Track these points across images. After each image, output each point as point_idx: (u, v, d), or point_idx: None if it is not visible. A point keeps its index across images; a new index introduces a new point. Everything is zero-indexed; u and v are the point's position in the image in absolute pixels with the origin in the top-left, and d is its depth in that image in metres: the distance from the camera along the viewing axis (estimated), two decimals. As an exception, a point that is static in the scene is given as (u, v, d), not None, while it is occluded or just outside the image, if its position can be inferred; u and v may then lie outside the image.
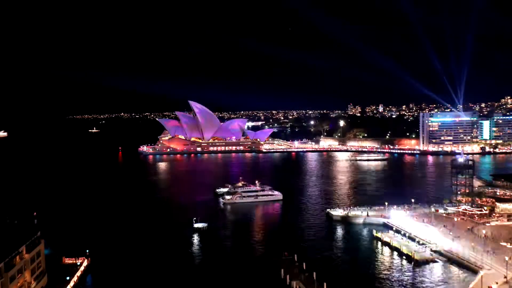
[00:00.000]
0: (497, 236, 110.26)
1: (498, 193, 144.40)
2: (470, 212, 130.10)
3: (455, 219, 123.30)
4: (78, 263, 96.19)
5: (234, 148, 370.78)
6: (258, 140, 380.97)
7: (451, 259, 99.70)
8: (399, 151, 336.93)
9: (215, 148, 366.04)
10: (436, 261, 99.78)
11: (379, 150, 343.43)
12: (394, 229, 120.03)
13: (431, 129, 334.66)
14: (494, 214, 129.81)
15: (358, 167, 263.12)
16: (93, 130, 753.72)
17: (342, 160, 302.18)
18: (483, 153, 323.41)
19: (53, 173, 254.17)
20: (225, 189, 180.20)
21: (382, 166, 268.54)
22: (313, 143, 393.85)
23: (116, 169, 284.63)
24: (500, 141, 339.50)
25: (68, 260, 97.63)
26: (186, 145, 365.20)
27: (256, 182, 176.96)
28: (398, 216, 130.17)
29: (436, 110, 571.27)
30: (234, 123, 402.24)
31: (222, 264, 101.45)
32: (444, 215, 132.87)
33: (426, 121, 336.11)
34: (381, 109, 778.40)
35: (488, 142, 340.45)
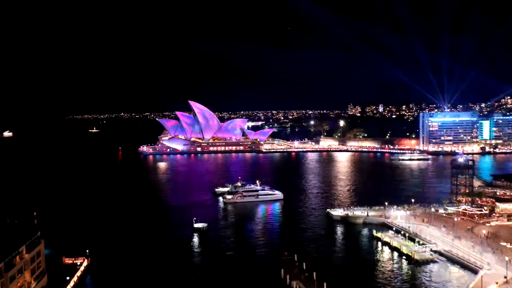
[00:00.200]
0: (497, 236, 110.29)
1: (498, 193, 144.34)
2: (470, 212, 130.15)
3: (455, 219, 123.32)
4: (78, 263, 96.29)
5: (234, 148, 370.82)
6: (258, 140, 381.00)
7: (451, 259, 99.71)
8: (399, 151, 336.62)
9: (215, 148, 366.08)
10: (436, 261, 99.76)
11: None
12: (394, 229, 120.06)
13: (431, 129, 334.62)
14: (494, 214, 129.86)
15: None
16: (93, 130, 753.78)
17: (343, 160, 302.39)
18: (483, 153, 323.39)
19: (53, 173, 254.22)
20: (224, 189, 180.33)
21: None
22: (313, 143, 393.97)
23: (116, 169, 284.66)
24: (500, 141, 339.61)
25: (68, 260, 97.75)
26: (186, 145, 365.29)
27: (257, 181, 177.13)
28: (398, 216, 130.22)
29: (436, 110, 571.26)
30: (234, 123, 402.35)
31: (222, 264, 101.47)
32: (444, 215, 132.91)
33: (426, 121, 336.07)
34: (381, 109, 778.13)
35: (488, 142, 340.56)
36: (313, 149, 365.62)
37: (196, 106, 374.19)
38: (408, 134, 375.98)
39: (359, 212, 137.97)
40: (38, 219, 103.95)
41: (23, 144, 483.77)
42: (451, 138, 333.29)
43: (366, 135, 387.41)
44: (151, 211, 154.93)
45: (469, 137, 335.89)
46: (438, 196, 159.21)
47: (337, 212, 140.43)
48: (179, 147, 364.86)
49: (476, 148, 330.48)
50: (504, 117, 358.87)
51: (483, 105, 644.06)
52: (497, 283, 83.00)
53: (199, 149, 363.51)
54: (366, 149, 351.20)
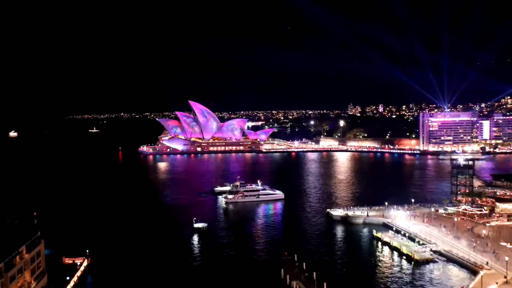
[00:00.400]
0: (497, 236, 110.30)
1: (498, 193, 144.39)
2: (470, 212, 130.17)
3: (455, 219, 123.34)
4: (78, 263, 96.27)
5: (234, 148, 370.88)
6: (258, 140, 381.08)
7: (451, 259, 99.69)
8: (399, 151, 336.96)
9: (215, 148, 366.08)
10: (436, 261, 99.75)
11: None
12: (394, 229, 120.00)
13: (431, 129, 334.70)
14: (494, 214, 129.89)
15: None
16: (93, 130, 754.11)
17: (343, 160, 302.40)
18: (483, 153, 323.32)
19: (53, 173, 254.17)
20: (224, 188, 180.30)
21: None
22: (313, 143, 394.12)
23: (116, 169, 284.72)
24: (500, 141, 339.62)
25: (68, 260, 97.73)
26: (186, 145, 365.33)
27: (258, 181, 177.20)
28: (398, 216, 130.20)
29: (436, 110, 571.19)
30: (234, 123, 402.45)
31: (222, 264, 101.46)
32: (444, 215, 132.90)
33: (426, 121, 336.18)
34: (381, 109, 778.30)
35: (488, 142, 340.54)
36: (313, 149, 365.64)
37: (196, 106, 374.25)
38: (408, 134, 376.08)
39: (359, 212, 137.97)
40: (38, 219, 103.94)
41: (27, 144, 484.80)
42: (451, 138, 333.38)
43: (366, 135, 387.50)
44: (151, 211, 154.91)
45: (469, 137, 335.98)
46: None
47: (337, 212, 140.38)
48: (179, 147, 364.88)
49: (476, 148, 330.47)
50: (504, 117, 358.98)
51: (483, 105, 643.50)
52: (497, 283, 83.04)
53: (199, 149, 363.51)
54: (366, 149, 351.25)
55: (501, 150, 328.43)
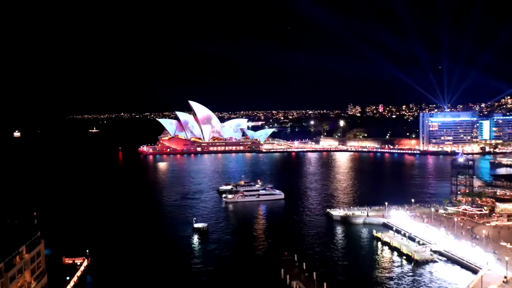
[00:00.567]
0: (497, 236, 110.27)
1: (498, 193, 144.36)
2: (470, 212, 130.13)
3: (455, 219, 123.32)
4: (78, 263, 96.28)
5: (234, 148, 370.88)
6: (258, 140, 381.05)
7: (451, 259, 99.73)
8: (399, 151, 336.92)
9: (215, 148, 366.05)
10: (436, 261, 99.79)
11: (378, 150, 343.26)
12: (394, 229, 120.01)
13: (431, 129, 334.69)
14: (494, 214, 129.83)
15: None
16: (93, 130, 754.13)
17: (343, 160, 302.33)
18: (483, 153, 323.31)
19: (53, 173, 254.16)
20: (228, 187, 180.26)
21: None
22: (313, 143, 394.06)
23: (116, 169, 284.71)
24: (500, 141, 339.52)
25: (68, 260, 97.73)
26: (186, 145, 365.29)
27: (258, 181, 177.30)
28: (398, 216, 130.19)
29: (436, 110, 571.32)
30: (234, 123, 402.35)
31: (222, 264, 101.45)
32: (444, 215, 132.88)
33: (426, 121, 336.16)
34: (381, 109, 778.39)
35: (488, 142, 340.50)
36: (313, 149, 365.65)
37: (196, 106, 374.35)
38: (408, 134, 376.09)
39: (359, 212, 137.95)
40: (38, 219, 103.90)
41: (30, 144, 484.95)
42: (451, 138, 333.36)
43: (366, 135, 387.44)
44: (151, 211, 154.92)
45: (469, 137, 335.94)
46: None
47: (337, 212, 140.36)
48: (179, 147, 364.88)
49: (476, 148, 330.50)
50: (504, 117, 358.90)
51: (483, 105, 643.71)
52: (497, 283, 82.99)
53: (199, 149, 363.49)
54: (366, 149, 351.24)
55: (501, 150, 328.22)
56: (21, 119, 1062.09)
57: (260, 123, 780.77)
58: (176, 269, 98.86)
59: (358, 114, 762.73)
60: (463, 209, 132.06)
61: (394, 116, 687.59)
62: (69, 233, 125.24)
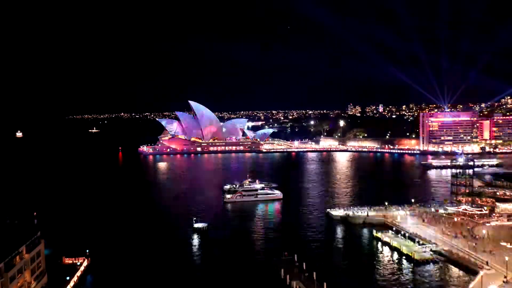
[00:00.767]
0: (497, 236, 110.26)
1: (498, 193, 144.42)
2: (470, 212, 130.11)
3: (455, 219, 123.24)
4: (78, 263, 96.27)
5: (234, 148, 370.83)
6: (258, 140, 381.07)
7: (451, 259, 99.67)
8: (399, 151, 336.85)
9: (215, 148, 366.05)
10: (436, 261, 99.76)
11: (378, 150, 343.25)
12: (394, 229, 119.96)
13: (431, 129, 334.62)
14: (494, 214, 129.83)
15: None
16: (93, 130, 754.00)
17: (343, 160, 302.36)
18: (483, 153, 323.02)
19: (53, 173, 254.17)
20: (232, 186, 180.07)
21: None
22: (313, 143, 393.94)
23: (116, 169, 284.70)
24: (500, 141, 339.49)
25: (68, 260, 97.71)
26: (186, 145, 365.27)
27: (257, 181, 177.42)
28: (398, 216, 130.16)
29: (436, 110, 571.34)
30: (234, 123, 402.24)
31: (222, 264, 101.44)
32: (444, 215, 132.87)
33: (426, 121, 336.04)
34: (381, 109, 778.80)
35: (488, 142, 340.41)
36: (313, 149, 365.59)
37: (196, 106, 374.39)
38: (408, 134, 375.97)
39: (359, 212, 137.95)
40: (38, 219, 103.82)
41: (31, 144, 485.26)
42: (451, 138, 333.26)
43: (366, 135, 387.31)
44: (151, 211, 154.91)
45: (469, 137, 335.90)
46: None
47: (337, 212, 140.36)
48: (179, 147, 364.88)
49: (476, 148, 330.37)
50: (504, 117, 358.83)
51: (483, 105, 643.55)
52: (497, 283, 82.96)
53: (199, 149, 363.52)
54: (366, 149, 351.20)
55: (501, 150, 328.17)
56: (23, 120, 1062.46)
57: (260, 123, 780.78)
58: (176, 269, 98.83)
59: (358, 114, 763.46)
60: (463, 209, 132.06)
61: (394, 116, 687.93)
62: (69, 233, 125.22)
